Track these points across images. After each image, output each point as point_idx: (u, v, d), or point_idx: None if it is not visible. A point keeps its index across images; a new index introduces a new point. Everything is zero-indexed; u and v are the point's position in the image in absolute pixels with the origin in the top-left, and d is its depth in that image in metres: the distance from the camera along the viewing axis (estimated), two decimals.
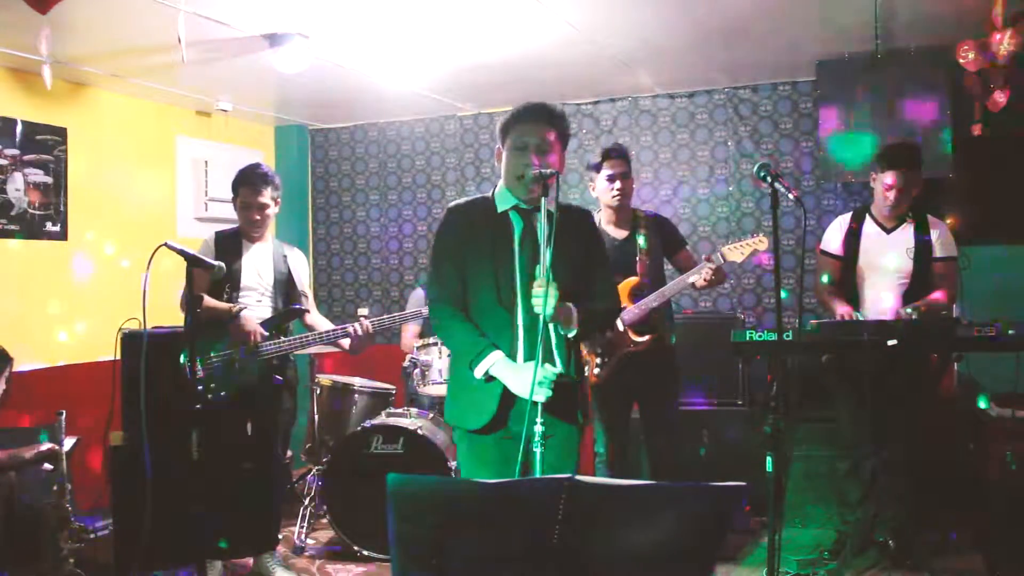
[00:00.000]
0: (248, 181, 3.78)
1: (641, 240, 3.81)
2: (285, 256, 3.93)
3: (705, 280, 3.62)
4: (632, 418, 3.97)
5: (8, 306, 4.50)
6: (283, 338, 3.73)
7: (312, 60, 4.19)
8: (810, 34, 4.22)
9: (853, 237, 3.85)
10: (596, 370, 3.75)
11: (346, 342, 3.75)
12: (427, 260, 2.77)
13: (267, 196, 3.80)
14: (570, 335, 2.53)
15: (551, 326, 2.47)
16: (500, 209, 2.57)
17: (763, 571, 2.86)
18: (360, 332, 3.69)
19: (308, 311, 3.93)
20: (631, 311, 3.71)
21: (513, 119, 2.56)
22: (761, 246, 3.65)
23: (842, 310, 3.71)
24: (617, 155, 3.78)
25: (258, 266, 3.83)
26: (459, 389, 2.62)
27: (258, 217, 3.80)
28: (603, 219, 3.88)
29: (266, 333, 3.65)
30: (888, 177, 3.68)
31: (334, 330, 3.77)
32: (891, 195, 3.69)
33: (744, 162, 5.25)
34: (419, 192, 6.13)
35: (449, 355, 2.76)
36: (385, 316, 3.91)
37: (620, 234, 3.85)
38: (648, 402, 3.90)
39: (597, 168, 3.82)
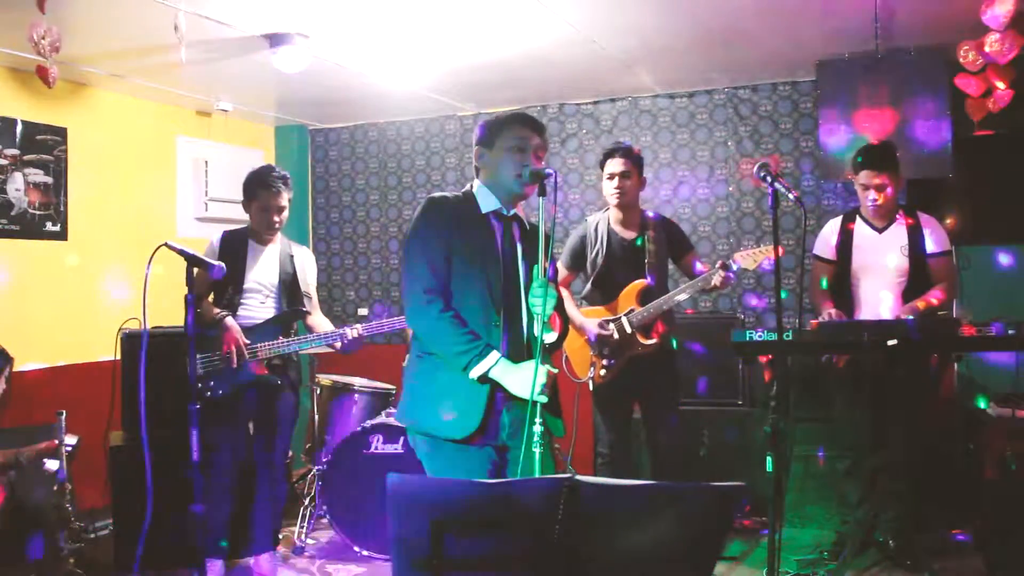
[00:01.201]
0: (268, 184, 3.76)
1: (648, 242, 3.81)
2: (292, 256, 3.92)
3: (719, 284, 3.63)
4: (634, 418, 3.98)
5: (8, 306, 4.50)
6: (282, 339, 3.72)
7: (312, 60, 4.19)
8: (810, 34, 4.22)
9: (846, 240, 3.85)
10: (602, 372, 3.75)
11: (338, 344, 3.76)
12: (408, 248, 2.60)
13: (285, 198, 3.80)
14: (549, 341, 2.48)
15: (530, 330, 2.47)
16: (484, 210, 2.57)
17: (763, 571, 2.86)
18: (349, 337, 3.68)
19: (310, 313, 3.93)
20: (640, 314, 3.71)
21: (506, 122, 2.58)
22: (771, 254, 3.65)
23: (828, 310, 3.71)
24: (618, 154, 3.79)
25: (263, 267, 3.83)
26: (437, 394, 2.47)
27: (277, 219, 3.80)
28: (611, 218, 3.89)
29: (246, 341, 3.64)
30: (863, 177, 3.70)
31: (326, 334, 3.77)
32: (869, 195, 3.70)
33: (744, 162, 5.25)
34: (419, 192, 6.12)
35: (417, 356, 2.56)
36: (374, 322, 3.87)
37: (628, 235, 3.86)
38: (649, 402, 3.90)
39: (601, 166, 3.85)
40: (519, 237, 2.60)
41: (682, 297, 3.71)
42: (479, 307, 2.48)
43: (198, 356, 3.62)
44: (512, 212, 2.61)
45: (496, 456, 2.52)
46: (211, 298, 3.77)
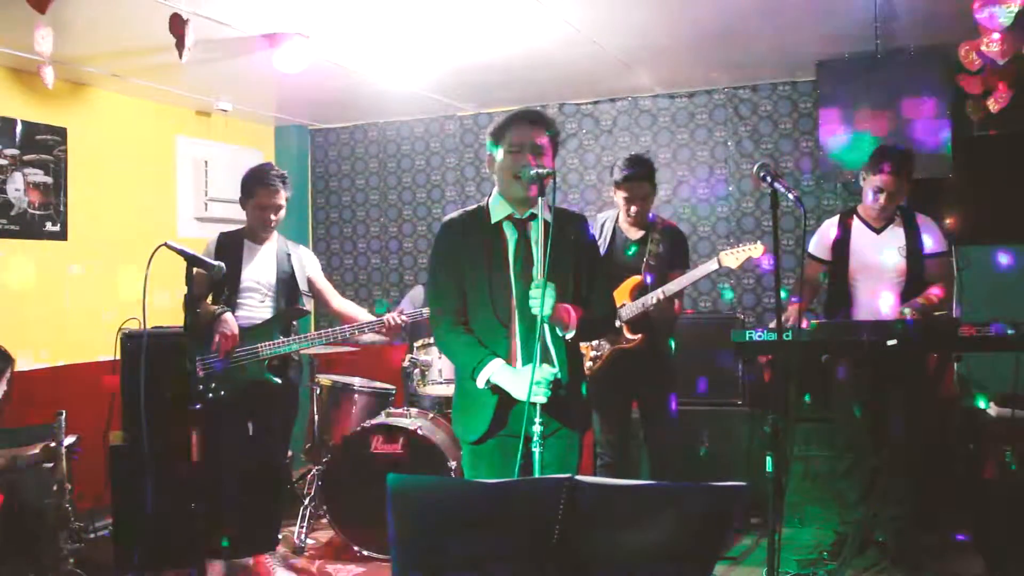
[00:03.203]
0: (265, 182, 3.75)
1: (651, 243, 3.82)
2: (289, 255, 3.91)
3: (650, 306, 3.67)
4: (633, 418, 3.98)
5: (8, 306, 4.50)
6: (281, 338, 3.72)
7: (312, 60, 4.19)
8: (810, 34, 4.22)
9: (843, 240, 3.84)
10: (588, 363, 3.76)
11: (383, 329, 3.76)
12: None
13: (283, 197, 3.79)
14: (567, 337, 2.53)
15: (547, 329, 2.47)
16: (494, 219, 2.57)
17: (763, 571, 2.86)
18: (392, 324, 3.69)
19: (307, 312, 3.91)
20: (629, 308, 3.73)
21: (507, 123, 2.58)
22: (755, 252, 3.66)
23: (791, 311, 3.66)
24: (637, 179, 3.75)
25: (260, 267, 3.82)
26: (460, 403, 2.67)
27: (273, 218, 3.79)
28: (620, 217, 3.90)
29: (234, 331, 3.63)
30: (877, 181, 3.68)
31: (370, 323, 3.75)
32: (881, 198, 3.69)
33: (744, 162, 5.25)
34: (419, 192, 6.13)
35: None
36: (414, 310, 3.84)
37: (635, 235, 3.87)
38: (647, 401, 3.90)
39: (617, 185, 3.81)
40: (540, 236, 2.44)
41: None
42: (487, 318, 2.54)
43: (197, 358, 3.62)
44: (528, 213, 2.56)
45: (522, 449, 2.50)
46: (210, 299, 3.77)
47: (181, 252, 2.81)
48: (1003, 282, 4.52)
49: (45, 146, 4.68)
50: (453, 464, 4.02)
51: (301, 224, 6.34)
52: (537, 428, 2.34)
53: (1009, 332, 3.19)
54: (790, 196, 2.75)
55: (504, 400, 2.50)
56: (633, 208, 3.79)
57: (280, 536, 4.09)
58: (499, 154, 2.57)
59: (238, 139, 5.96)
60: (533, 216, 2.55)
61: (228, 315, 3.65)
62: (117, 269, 5.03)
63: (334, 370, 5.08)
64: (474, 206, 2.67)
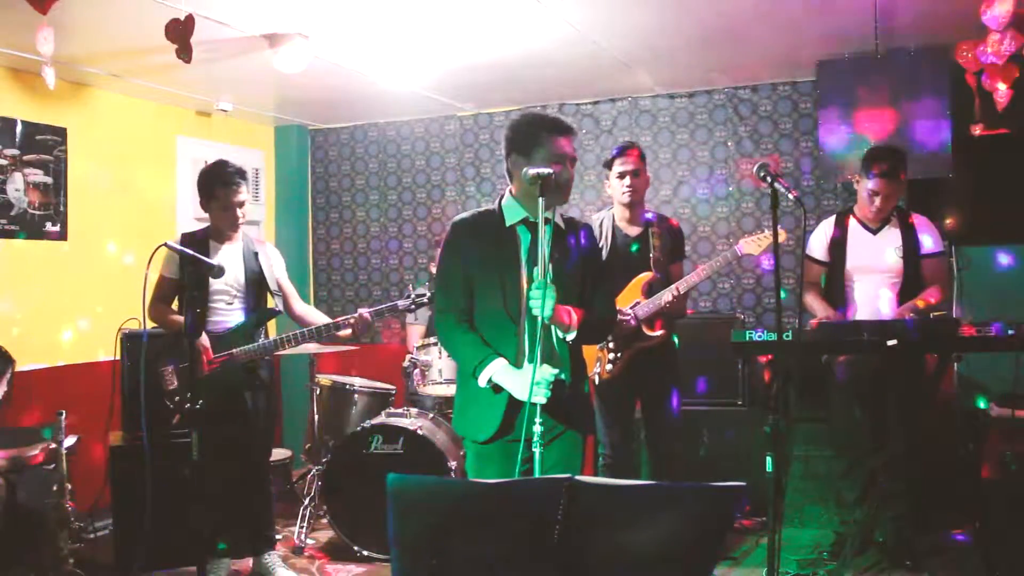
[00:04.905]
0: (225, 180, 3.67)
1: (653, 238, 3.82)
2: (256, 253, 3.82)
3: (668, 302, 3.68)
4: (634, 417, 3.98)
5: (8, 306, 4.50)
6: (256, 341, 3.67)
7: (312, 60, 4.19)
8: (810, 34, 4.22)
9: (839, 241, 3.84)
10: (608, 366, 3.75)
11: (347, 330, 3.71)
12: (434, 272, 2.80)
13: (244, 193, 3.71)
14: (569, 338, 2.54)
15: (552, 330, 2.49)
16: (509, 223, 2.60)
17: (763, 571, 2.86)
18: (355, 323, 3.62)
19: (281, 312, 3.83)
20: (644, 306, 3.72)
21: (545, 131, 2.56)
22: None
23: (825, 313, 3.71)
24: (629, 152, 3.79)
25: (228, 267, 3.70)
26: (466, 401, 2.67)
27: (240, 214, 3.71)
28: (616, 216, 3.89)
29: (206, 346, 3.59)
30: (871, 183, 3.68)
31: (332, 323, 3.69)
32: (877, 201, 3.69)
33: (744, 162, 5.25)
34: (419, 192, 6.13)
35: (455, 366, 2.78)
36: (382, 306, 3.81)
37: (633, 231, 3.86)
38: (651, 401, 3.89)
39: (609, 165, 3.84)
40: (542, 236, 2.45)
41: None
42: (496, 318, 2.56)
43: (178, 366, 3.59)
44: (543, 216, 2.53)
45: (527, 452, 2.51)
46: (175, 304, 3.71)
47: (181, 252, 2.81)
48: (1003, 282, 4.52)
49: (45, 146, 4.67)
50: (453, 464, 4.02)
51: (301, 224, 6.35)
52: (538, 428, 2.34)
53: (1009, 332, 3.19)
54: (790, 196, 2.75)
55: (514, 400, 2.51)
56: (628, 180, 3.74)
57: (280, 536, 4.08)
58: (533, 161, 2.53)
59: (238, 139, 5.96)
60: (547, 220, 2.56)
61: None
62: (117, 269, 5.03)
63: (334, 370, 5.08)
64: (485, 208, 2.70)
